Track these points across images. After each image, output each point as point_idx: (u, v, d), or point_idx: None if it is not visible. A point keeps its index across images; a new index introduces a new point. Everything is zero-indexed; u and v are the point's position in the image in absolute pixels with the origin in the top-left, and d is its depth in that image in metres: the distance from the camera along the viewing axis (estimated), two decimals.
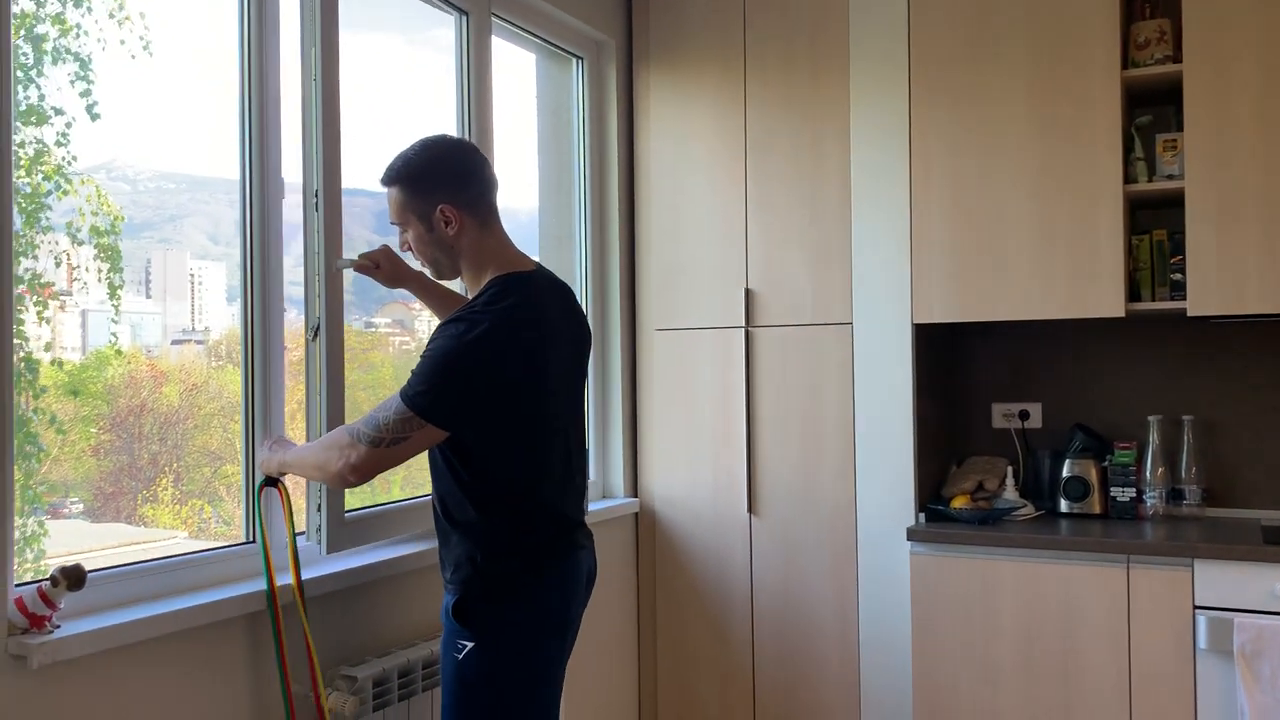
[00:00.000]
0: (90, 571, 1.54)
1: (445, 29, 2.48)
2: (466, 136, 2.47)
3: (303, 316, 1.96)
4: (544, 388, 1.70)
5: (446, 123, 2.46)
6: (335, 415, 1.97)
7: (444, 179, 1.72)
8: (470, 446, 1.67)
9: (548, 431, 1.73)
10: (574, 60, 2.98)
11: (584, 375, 1.89)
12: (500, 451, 1.68)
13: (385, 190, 1.76)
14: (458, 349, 1.61)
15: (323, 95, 1.96)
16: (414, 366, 1.64)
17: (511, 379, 1.64)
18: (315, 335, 1.95)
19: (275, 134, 1.96)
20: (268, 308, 1.94)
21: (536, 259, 2.90)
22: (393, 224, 1.78)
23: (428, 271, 1.84)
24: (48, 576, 1.49)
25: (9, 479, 1.47)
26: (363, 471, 1.62)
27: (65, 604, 1.51)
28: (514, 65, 2.87)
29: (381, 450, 1.60)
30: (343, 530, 2.00)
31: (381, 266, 1.93)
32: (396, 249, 1.86)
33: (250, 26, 1.92)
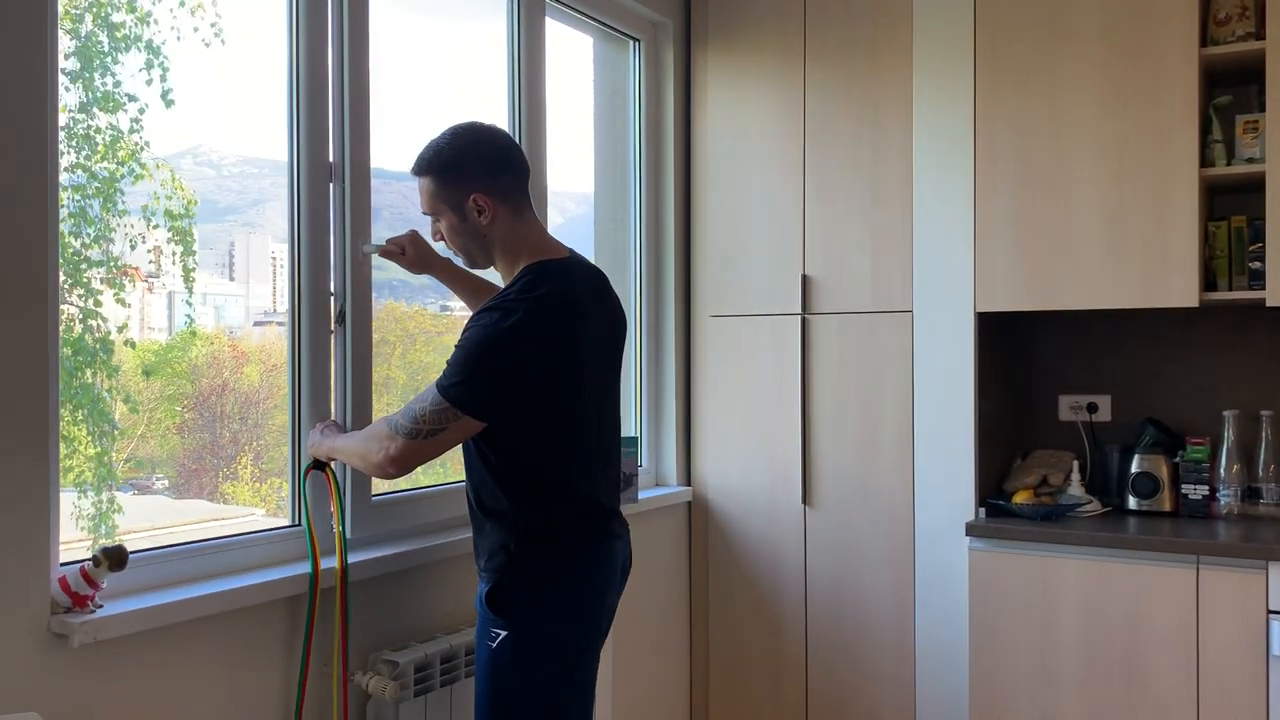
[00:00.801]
0: (135, 552, 1.55)
1: (498, 12, 2.47)
2: (518, 120, 2.47)
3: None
4: (579, 376, 1.69)
5: (499, 106, 2.46)
6: (360, 404, 1.97)
7: (476, 168, 1.70)
8: (504, 435, 1.66)
9: (582, 420, 1.72)
10: (631, 42, 2.96)
11: (620, 362, 1.88)
12: (534, 440, 1.67)
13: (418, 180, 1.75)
14: (492, 338, 1.60)
15: (350, 72, 1.94)
16: (450, 357, 1.64)
17: (546, 367, 1.64)
18: (340, 321, 1.95)
19: (322, 116, 1.92)
20: (315, 290, 1.93)
21: (592, 244, 2.94)
22: (424, 214, 1.77)
23: (459, 260, 1.82)
24: (90, 556, 1.50)
25: (54, 460, 1.48)
26: (401, 463, 1.63)
27: (108, 584, 1.52)
28: (571, 49, 2.87)
29: (419, 442, 1.61)
30: (368, 514, 2.00)
31: (407, 252, 1.92)
32: (428, 238, 1.86)
33: (299, 7, 1.91)
